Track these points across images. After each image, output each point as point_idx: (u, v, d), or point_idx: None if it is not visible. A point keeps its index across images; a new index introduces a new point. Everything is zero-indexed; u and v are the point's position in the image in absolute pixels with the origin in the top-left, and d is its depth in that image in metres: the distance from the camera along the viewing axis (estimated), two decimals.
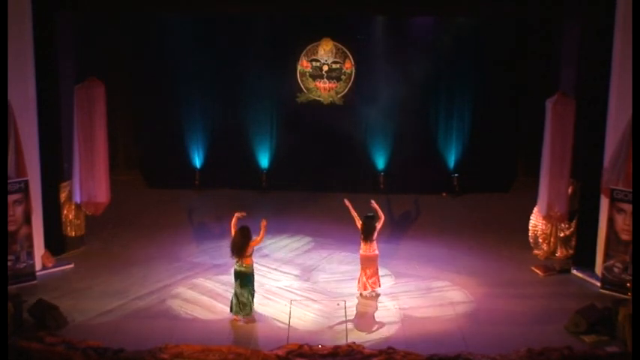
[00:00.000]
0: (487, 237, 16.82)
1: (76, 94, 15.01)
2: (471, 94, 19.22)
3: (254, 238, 12.86)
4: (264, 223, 12.98)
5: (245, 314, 12.89)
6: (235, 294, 12.89)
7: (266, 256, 15.24)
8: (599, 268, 14.43)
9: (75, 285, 14.22)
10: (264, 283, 14.11)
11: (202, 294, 13.93)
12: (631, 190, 13.42)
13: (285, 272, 14.96)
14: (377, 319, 13.17)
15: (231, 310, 12.97)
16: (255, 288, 13.07)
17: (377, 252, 13.81)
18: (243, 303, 12.84)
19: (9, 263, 13.58)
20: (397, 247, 16.09)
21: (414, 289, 14.22)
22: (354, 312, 13.35)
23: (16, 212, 13.92)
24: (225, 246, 15.69)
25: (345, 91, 19.32)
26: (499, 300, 13.83)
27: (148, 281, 14.42)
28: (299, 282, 14.55)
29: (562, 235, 15.38)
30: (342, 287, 14.30)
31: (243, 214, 13.18)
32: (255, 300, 13.01)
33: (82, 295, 13.74)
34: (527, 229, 15.77)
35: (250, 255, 12.90)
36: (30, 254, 14.24)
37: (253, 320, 12.91)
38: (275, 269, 15.03)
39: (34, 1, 14.20)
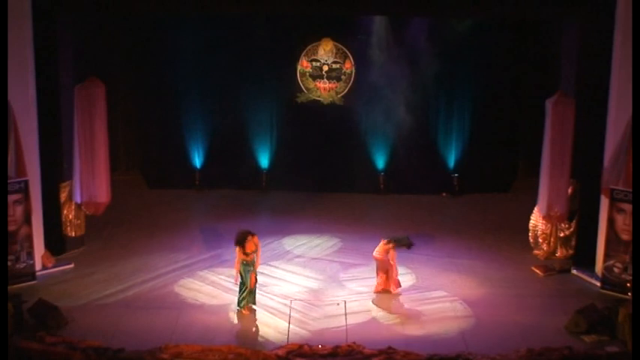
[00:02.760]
0: (487, 237, 16.82)
1: (76, 94, 14.99)
2: (470, 94, 19.25)
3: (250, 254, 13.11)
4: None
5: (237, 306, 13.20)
6: None
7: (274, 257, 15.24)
8: (599, 268, 14.42)
9: (75, 285, 14.21)
10: (265, 283, 14.12)
11: (202, 294, 13.94)
12: (631, 190, 13.42)
13: (283, 272, 14.99)
14: (377, 319, 13.17)
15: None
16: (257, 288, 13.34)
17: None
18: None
19: (9, 263, 13.58)
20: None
21: (414, 289, 14.21)
22: (355, 312, 13.34)
23: (16, 212, 13.92)
24: (226, 246, 15.81)
25: (345, 91, 19.34)
26: (499, 300, 13.83)
27: (148, 282, 14.41)
28: (299, 282, 14.56)
29: (562, 235, 15.37)
30: (341, 287, 14.32)
31: None
32: (245, 296, 13.15)
33: (82, 295, 13.74)
34: (527, 229, 15.77)
35: (243, 253, 13.11)
36: (30, 254, 14.23)
37: (240, 315, 13.11)
38: (274, 269, 15.08)
39: (34, 1, 14.20)
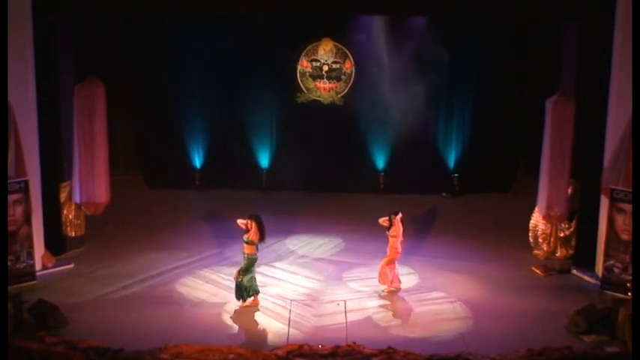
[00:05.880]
0: (487, 237, 16.83)
1: (76, 94, 15.00)
2: (470, 94, 19.25)
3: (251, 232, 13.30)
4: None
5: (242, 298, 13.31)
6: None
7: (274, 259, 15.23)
8: (599, 268, 14.43)
9: (75, 285, 14.22)
10: (265, 283, 14.12)
11: (203, 293, 13.94)
12: (631, 190, 13.42)
13: (284, 272, 14.99)
14: (377, 319, 13.17)
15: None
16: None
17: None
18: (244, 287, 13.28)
19: (9, 263, 13.58)
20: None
21: (414, 290, 14.21)
22: (355, 312, 13.34)
23: (16, 212, 13.92)
24: (226, 245, 15.83)
25: (345, 91, 19.34)
26: (499, 300, 13.83)
27: (148, 281, 14.42)
28: (300, 282, 14.56)
29: (562, 235, 15.38)
30: (341, 287, 14.32)
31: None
32: (252, 286, 13.32)
33: (82, 295, 13.74)
34: (527, 229, 15.77)
35: (249, 243, 13.24)
36: (30, 254, 14.24)
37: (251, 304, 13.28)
38: (275, 269, 15.07)
39: (34, 1, 14.20)
